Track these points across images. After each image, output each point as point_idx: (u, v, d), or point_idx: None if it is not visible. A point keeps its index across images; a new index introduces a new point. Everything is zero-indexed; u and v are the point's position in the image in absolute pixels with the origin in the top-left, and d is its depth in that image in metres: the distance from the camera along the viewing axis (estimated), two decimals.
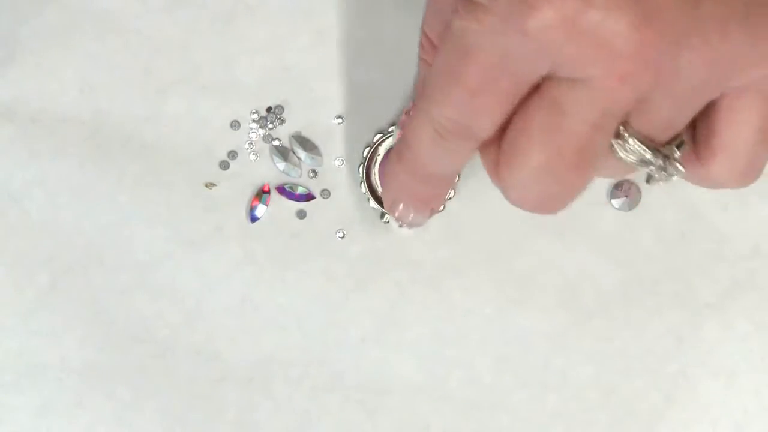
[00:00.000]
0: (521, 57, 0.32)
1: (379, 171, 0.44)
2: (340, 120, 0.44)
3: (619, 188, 0.44)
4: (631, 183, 0.44)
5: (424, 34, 0.39)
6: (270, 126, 0.44)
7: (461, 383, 0.44)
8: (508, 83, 0.33)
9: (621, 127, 0.35)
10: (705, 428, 0.44)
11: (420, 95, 0.38)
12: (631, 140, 0.35)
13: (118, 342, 0.44)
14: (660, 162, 0.35)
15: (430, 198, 0.39)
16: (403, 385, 0.44)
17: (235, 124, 0.44)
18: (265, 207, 0.44)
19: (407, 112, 0.43)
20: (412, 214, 0.40)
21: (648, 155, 0.35)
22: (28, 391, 0.44)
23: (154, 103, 0.44)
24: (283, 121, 0.44)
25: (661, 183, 0.36)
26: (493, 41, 0.32)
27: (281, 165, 0.44)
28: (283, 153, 0.44)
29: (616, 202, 0.44)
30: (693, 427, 0.44)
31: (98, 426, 0.44)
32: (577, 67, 0.32)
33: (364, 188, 0.44)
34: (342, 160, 0.44)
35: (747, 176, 0.36)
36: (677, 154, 0.35)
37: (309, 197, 0.44)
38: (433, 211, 0.40)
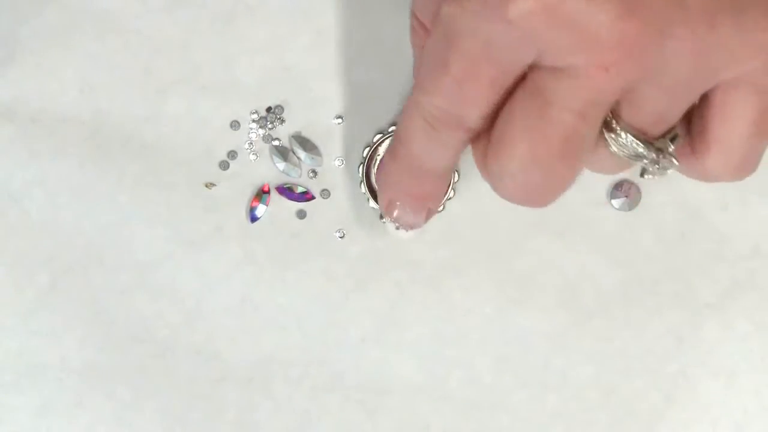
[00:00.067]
0: (505, 45, 0.33)
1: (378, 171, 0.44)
2: (340, 120, 0.44)
3: (619, 188, 0.44)
4: (631, 183, 0.44)
5: (413, 16, 0.39)
6: (270, 126, 0.44)
7: (461, 383, 0.44)
8: (493, 71, 0.33)
9: (613, 120, 0.35)
10: (705, 428, 0.44)
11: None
12: (623, 133, 0.35)
13: (118, 342, 0.44)
14: (653, 155, 0.35)
15: (426, 196, 0.39)
16: (403, 385, 0.44)
17: (235, 124, 0.44)
18: (265, 207, 0.44)
19: None
20: (409, 215, 0.40)
21: (640, 148, 0.35)
22: (28, 391, 0.44)
23: (154, 103, 0.44)
24: (283, 121, 0.44)
25: (655, 177, 0.36)
26: (477, 28, 0.33)
27: (281, 165, 0.44)
28: (283, 153, 0.44)
29: (616, 202, 0.44)
30: (693, 427, 0.44)
31: (98, 426, 0.44)
32: (560, 56, 0.32)
33: (364, 188, 0.44)
34: (342, 160, 0.44)
35: (742, 169, 0.36)
36: (671, 147, 0.35)
37: (309, 197, 0.44)
38: (430, 213, 0.40)
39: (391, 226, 0.41)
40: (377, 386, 0.44)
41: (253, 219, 0.44)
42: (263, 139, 0.44)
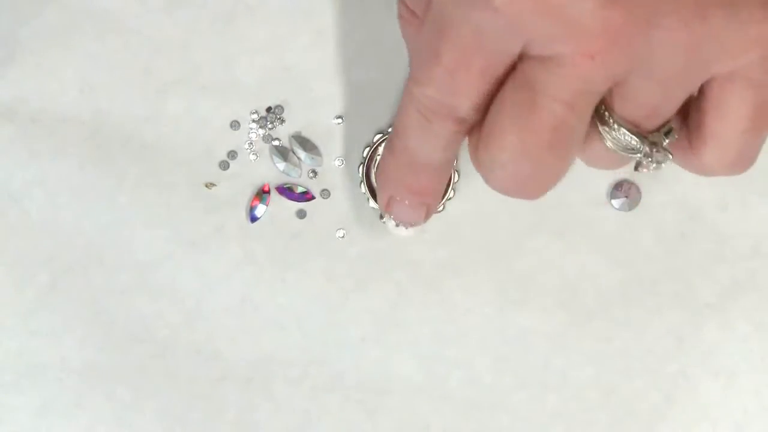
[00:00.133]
0: (493, 34, 0.33)
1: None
2: (340, 120, 0.44)
3: (619, 188, 0.44)
4: (631, 183, 0.44)
5: (401, 2, 0.39)
6: (270, 126, 0.44)
7: (461, 383, 0.44)
8: (483, 61, 0.34)
9: (606, 113, 0.35)
10: (705, 428, 0.44)
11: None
12: (616, 126, 0.35)
13: (118, 342, 0.44)
14: (646, 149, 0.35)
15: (424, 191, 0.39)
16: (403, 385, 0.44)
17: (235, 124, 0.44)
18: (265, 207, 0.44)
19: None
20: (408, 212, 0.40)
21: (633, 142, 0.35)
22: (28, 391, 0.44)
23: (154, 103, 0.44)
24: (283, 121, 0.44)
25: (649, 170, 0.36)
26: (466, 17, 0.33)
27: (281, 165, 0.44)
28: (283, 153, 0.44)
29: (616, 202, 0.44)
30: (693, 427, 0.44)
31: (98, 426, 0.44)
32: (546, 45, 0.32)
33: (364, 188, 0.44)
34: (342, 160, 0.44)
35: (739, 164, 0.36)
36: (665, 141, 0.35)
37: (309, 197, 0.44)
38: (430, 211, 0.40)
39: (391, 224, 0.41)
40: (377, 386, 0.44)
41: (253, 219, 0.44)
42: (263, 139, 0.44)
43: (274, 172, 0.44)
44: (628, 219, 0.44)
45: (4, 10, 0.44)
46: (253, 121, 0.44)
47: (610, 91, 0.34)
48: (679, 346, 0.44)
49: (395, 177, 0.39)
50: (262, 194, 0.44)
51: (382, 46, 0.44)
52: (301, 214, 0.44)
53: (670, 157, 0.36)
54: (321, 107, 0.44)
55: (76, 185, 0.44)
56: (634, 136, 0.35)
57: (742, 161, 0.36)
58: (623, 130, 0.35)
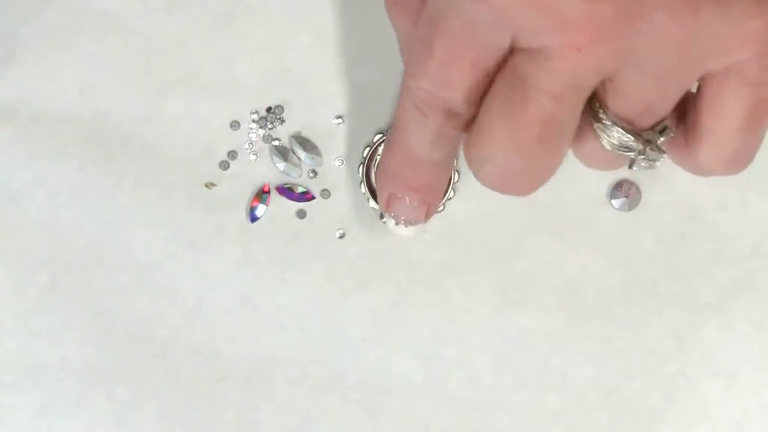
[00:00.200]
0: (483, 26, 0.33)
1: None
2: (340, 120, 0.44)
3: (619, 188, 0.44)
4: (631, 183, 0.44)
5: None
6: (270, 126, 0.44)
7: (461, 383, 0.44)
8: (474, 53, 0.34)
9: (599, 110, 0.35)
10: (705, 428, 0.44)
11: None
12: (610, 123, 0.35)
13: (118, 342, 0.44)
14: (640, 147, 0.35)
15: (424, 188, 0.39)
16: (403, 385, 0.44)
17: (235, 125, 0.44)
18: (265, 207, 0.44)
19: None
20: (408, 210, 0.40)
21: (626, 138, 0.35)
22: (28, 391, 0.44)
23: (154, 103, 0.44)
24: (283, 121, 0.44)
25: (638, 168, 0.36)
26: (457, 9, 0.33)
27: (281, 165, 0.44)
28: (283, 153, 0.44)
29: (616, 202, 0.44)
30: (693, 427, 0.44)
31: (98, 426, 0.44)
32: (534, 37, 0.32)
33: (364, 188, 0.44)
34: (342, 160, 0.44)
35: (735, 163, 0.36)
36: (659, 139, 0.35)
37: (309, 197, 0.44)
38: (430, 210, 0.40)
39: (391, 222, 0.41)
40: (377, 386, 0.44)
41: (253, 219, 0.44)
42: (263, 139, 0.44)
43: (274, 172, 0.44)
44: (628, 219, 0.44)
45: (4, 10, 0.44)
46: (253, 121, 0.44)
47: (603, 87, 0.34)
48: (679, 346, 0.44)
49: (395, 173, 0.39)
50: (262, 194, 0.44)
51: (382, 46, 0.44)
52: (301, 214, 0.44)
53: (664, 155, 0.36)
54: (321, 107, 0.44)
55: (76, 185, 0.44)
56: (628, 134, 0.35)
57: (739, 160, 0.36)
58: (616, 127, 0.35)
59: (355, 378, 0.44)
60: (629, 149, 0.35)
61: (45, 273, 0.44)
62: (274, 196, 0.44)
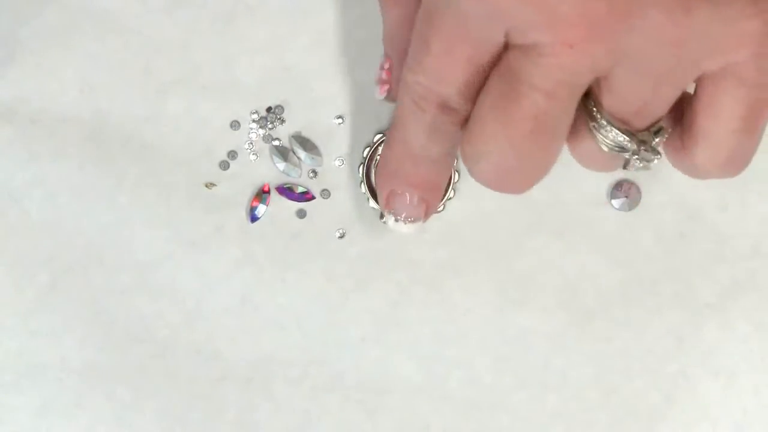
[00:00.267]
0: (477, 21, 0.33)
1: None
2: (340, 120, 0.44)
3: (619, 188, 0.44)
4: (631, 183, 0.44)
5: None
6: (270, 126, 0.44)
7: (461, 383, 0.44)
8: (469, 49, 0.34)
9: (594, 109, 0.35)
10: (705, 428, 0.44)
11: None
12: (605, 122, 0.35)
13: (118, 342, 0.44)
14: (635, 147, 0.35)
15: (423, 184, 0.39)
16: (403, 385, 0.44)
17: (235, 125, 0.44)
18: (265, 207, 0.44)
19: None
20: (407, 207, 0.40)
21: (621, 138, 0.35)
22: (28, 391, 0.44)
23: (154, 103, 0.44)
24: (283, 121, 0.44)
25: (633, 169, 0.36)
26: (452, 4, 0.33)
27: (281, 165, 0.44)
28: (283, 153, 0.44)
29: (616, 202, 0.44)
30: (693, 427, 0.44)
31: (98, 426, 0.44)
32: (526, 33, 0.33)
33: (364, 188, 0.44)
34: (342, 160, 0.44)
35: (731, 165, 0.35)
36: (654, 140, 0.35)
37: (309, 197, 0.44)
38: (429, 208, 0.40)
39: (391, 220, 0.41)
40: (377, 386, 0.44)
41: (254, 219, 0.44)
42: (263, 139, 0.44)
43: (274, 172, 0.44)
44: (628, 219, 0.44)
45: (4, 10, 0.44)
46: (253, 121, 0.44)
47: (598, 86, 0.34)
48: (679, 346, 0.44)
49: (395, 169, 0.39)
50: (262, 194, 0.44)
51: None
52: (301, 214, 0.44)
53: (659, 156, 0.36)
54: (321, 107, 0.44)
55: (76, 185, 0.44)
56: (622, 134, 0.35)
57: (735, 162, 0.35)
58: (611, 127, 0.35)
59: (355, 378, 0.44)
60: (624, 149, 0.35)
61: (45, 273, 0.44)
62: (274, 196, 0.44)
